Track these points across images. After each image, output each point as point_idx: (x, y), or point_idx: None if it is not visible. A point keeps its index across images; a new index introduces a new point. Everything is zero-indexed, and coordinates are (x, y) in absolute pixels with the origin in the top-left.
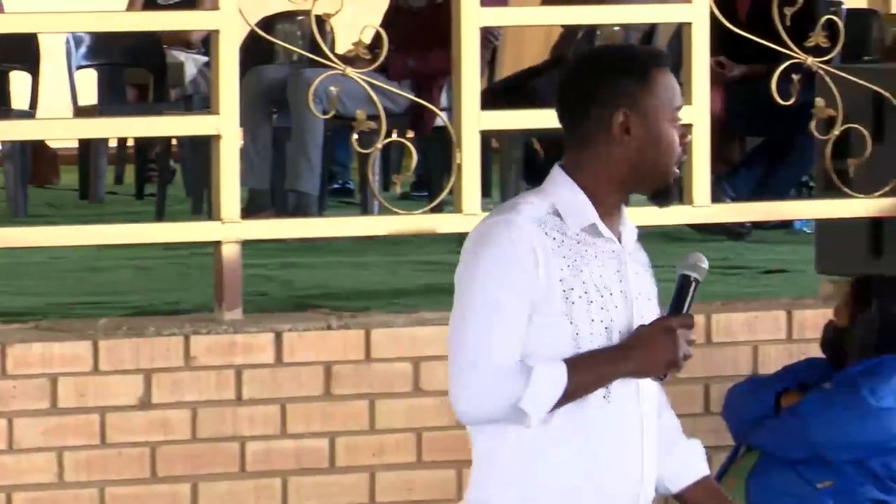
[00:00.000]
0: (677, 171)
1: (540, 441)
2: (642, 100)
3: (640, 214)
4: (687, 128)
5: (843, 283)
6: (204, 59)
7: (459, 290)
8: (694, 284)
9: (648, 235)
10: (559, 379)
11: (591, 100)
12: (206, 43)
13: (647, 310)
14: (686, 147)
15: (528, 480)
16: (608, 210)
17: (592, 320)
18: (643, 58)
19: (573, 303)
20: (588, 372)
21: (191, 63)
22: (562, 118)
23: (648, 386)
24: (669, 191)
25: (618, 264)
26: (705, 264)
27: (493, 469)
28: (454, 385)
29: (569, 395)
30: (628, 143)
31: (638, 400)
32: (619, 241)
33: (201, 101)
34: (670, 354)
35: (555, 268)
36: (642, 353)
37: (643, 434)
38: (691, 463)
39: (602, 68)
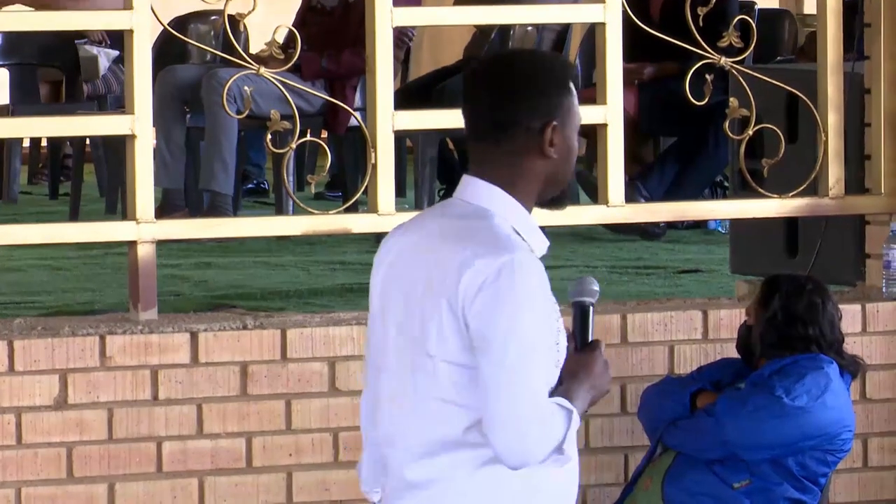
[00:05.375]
0: None
1: (535, 476)
2: (567, 110)
3: (554, 215)
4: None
5: (759, 284)
6: (115, 52)
7: (500, 338)
8: (591, 309)
9: (562, 235)
10: (577, 416)
11: (522, 110)
12: (114, 38)
13: None
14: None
15: None
16: None
17: (560, 350)
18: (564, 66)
19: (560, 332)
20: (578, 408)
21: (103, 57)
22: (479, 128)
23: None
24: (564, 196)
25: None
26: (596, 286)
27: None
28: (511, 436)
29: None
30: (551, 156)
31: None
32: None
33: (114, 99)
34: (609, 384)
35: (552, 305)
36: (594, 386)
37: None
38: None
39: (532, 76)
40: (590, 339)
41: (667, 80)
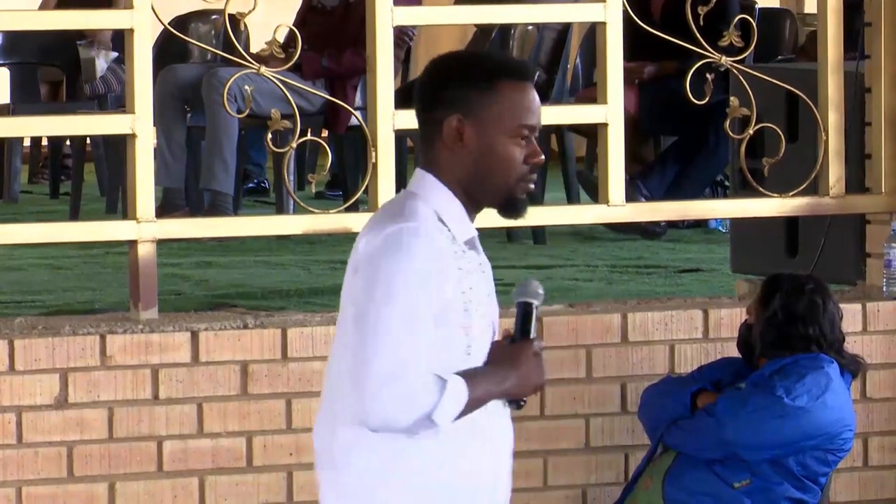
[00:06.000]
0: (527, 186)
1: (435, 453)
2: (480, 108)
3: (553, 213)
4: (536, 147)
5: (759, 283)
6: (114, 54)
7: (367, 301)
8: (535, 311)
9: (563, 235)
10: (463, 393)
11: (433, 102)
12: (115, 39)
13: (497, 325)
14: (535, 167)
15: (421, 490)
16: (472, 220)
17: (482, 334)
18: (491, 66)
19: (471, 315)
20: (479, 389)
21: (102, 59)
22: (417, 120)
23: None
24: (514, 206)
25: (485, 278)
26: (541, 290)
27: (382, 481)
28: (366, 396)
29: (464, 411)
30: (462, 151)
31: (505, 415)
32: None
33: (114, 99)
34: (539, 378)
35: (455, 279)
36: (518, 374)
37: (510, 447)
38: None
39: (446, 71)
40: (531, 335)
41: (667, 79)
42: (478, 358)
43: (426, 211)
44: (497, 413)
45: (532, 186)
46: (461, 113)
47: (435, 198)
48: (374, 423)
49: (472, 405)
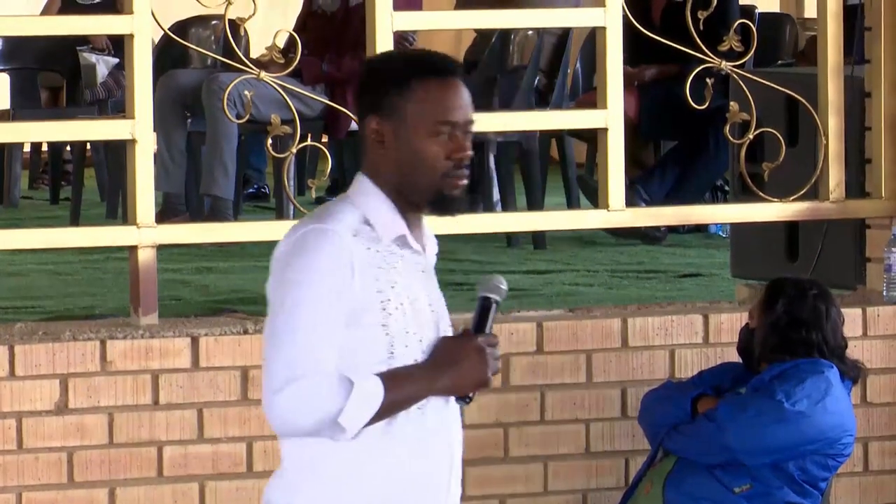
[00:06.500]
0: (456, 182)
1: (359, 453)
2: (397, 108)
3: (554, 218)
4: (461, 142)
5: (760, 287)
6: (114, 60)
7: (274, 301)
8: (494, 305)
9: (563, 240)
10: (377, 395)
11: (358, 105)
12: (116, 45)
13: (446, 323)
14: (461, 162)
15: (343, 492)
16: (410, 221)
17: (407, 332)
18: (407, 65)
19: (390, 314)
20: (403, 389)
21: (102, 65)
22: None
23: (453, 400)
24: (443, 204)
25: (424, 277)
26: (504, 286)
27: (308, 477)
28: (269, 397)
29: (383, 412)
30: (385, 152)
31: (447, 412)
32: (424, 252)
33: (115, 104)
34: (481, 374)
35: (371, 279)
36: (455, 371)
37: (452, 446)
38: None
39: (367, 74)
40: (486, 331)
41: (667, 83)
42: (404, 359)
43: (349, 213)
44: (438, 414)
45: (463, 182)
46: (379, 115)
47: (364, 199)
48: (274, 426)
49: (396, 406)
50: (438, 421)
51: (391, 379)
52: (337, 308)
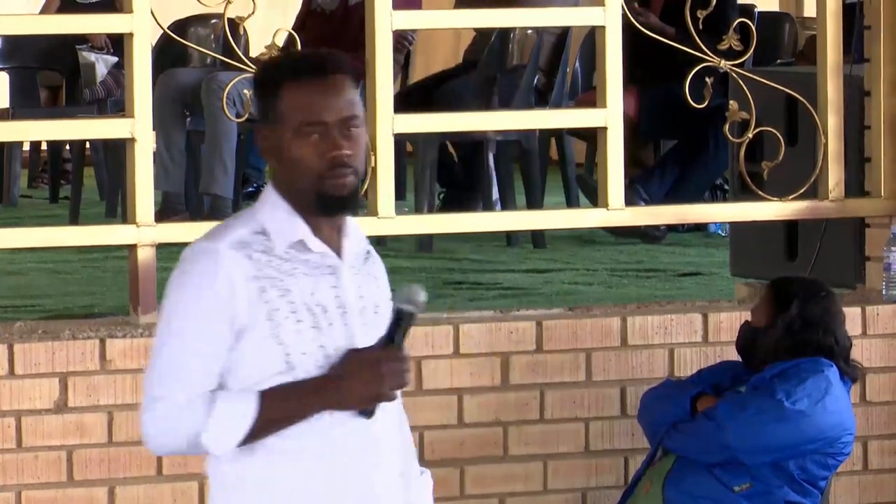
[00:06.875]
0: (336, 182)
1: (269, 469)
2: (269, 114)
3: (553, 217)
4: (335, 142)
5: (759, 286)
6: (114, 59)
7: (159, 318)
8: (409, 317)
9: (563, 239)
10: (245, 412)
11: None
12: (115, 44)
13: (376, 323)
14: (337, 161)
15: None
16: (318, 224)
17: (304, 340)
18: (277, 70)
19: (280, 324)
20: (284, 404)
21: (101, 64)
22: None
23: (387, 407)
24: (327, 204)
25: (335, 279)
26: (423, 297)
27: (231, 496)
28: (142, 417)
29: (262, 429)
30: (269, 159)
31: (369, 423)
32: (340, 254)
33: (114, 103)
34: (373, 388)
35: (256, 291)
36: (344, 385)
37: (379, 457)
38: (417, 501)
39: (253, 82)
40: (396, 342)
41: (667, 82)
42: (306, 365)
43: (243, 225)
44: (345, 426)
45: (346, 181)
46: (264, 123)
47: (262, 208)
48: (145, 445)
49: (277, 422)
50: (349, 432)
51: (274, 395)
52: (211, 328)
